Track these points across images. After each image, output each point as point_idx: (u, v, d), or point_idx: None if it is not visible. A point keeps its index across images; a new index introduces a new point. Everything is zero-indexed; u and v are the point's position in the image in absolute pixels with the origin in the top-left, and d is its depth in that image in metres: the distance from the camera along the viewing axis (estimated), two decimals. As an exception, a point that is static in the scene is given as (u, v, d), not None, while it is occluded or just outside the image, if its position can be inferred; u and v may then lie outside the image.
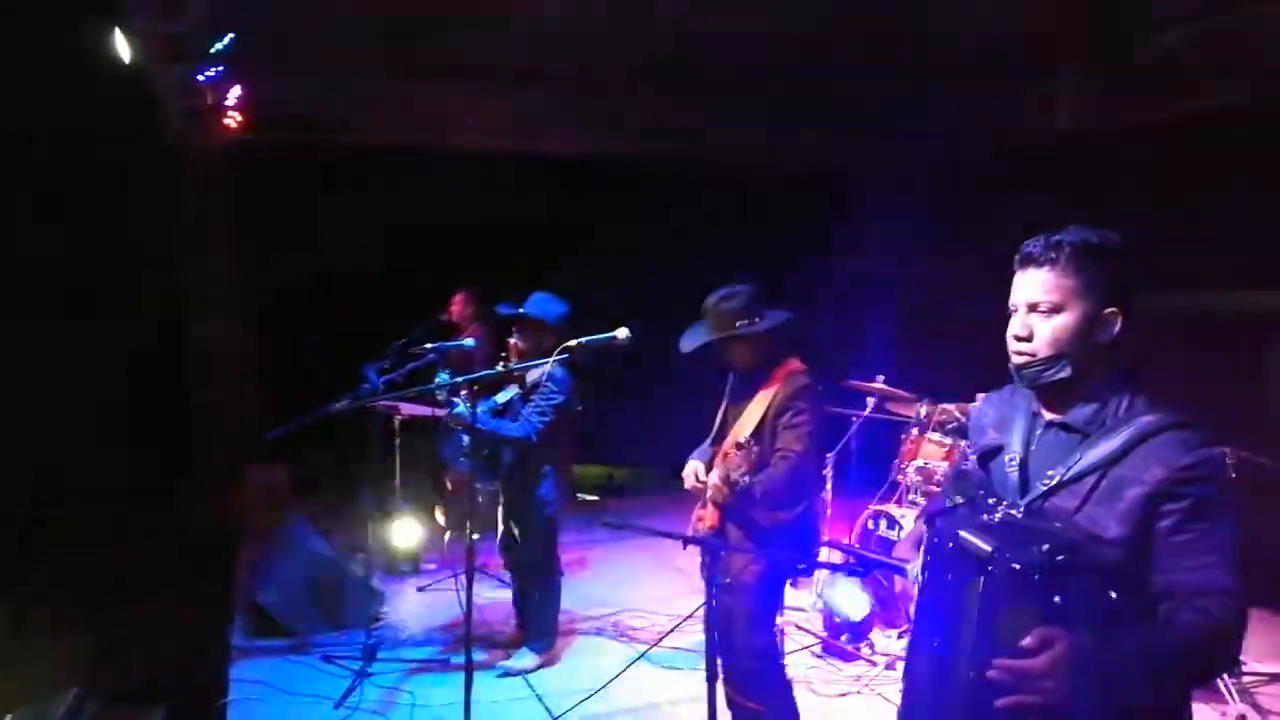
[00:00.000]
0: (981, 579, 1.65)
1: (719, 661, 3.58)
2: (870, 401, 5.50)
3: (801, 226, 8.50)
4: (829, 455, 5.54)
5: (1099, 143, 6.31)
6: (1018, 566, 1.59)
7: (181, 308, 6.31)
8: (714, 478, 3.27)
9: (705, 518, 3.44)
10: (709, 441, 3.62)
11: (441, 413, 4.24)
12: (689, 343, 3.40)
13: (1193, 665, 1.68)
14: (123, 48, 4.33)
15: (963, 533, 1.71)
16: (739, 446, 3.10)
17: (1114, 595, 1.62)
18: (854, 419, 5.59)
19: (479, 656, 4.66)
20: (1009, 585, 1.61)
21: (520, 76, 6.78)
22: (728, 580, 3.35)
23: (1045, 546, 1.61)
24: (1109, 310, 1.75)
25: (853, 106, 7.24)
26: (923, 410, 5.37)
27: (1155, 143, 5.95)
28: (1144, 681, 1.59)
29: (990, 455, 1.95)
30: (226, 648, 4.74)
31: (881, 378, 5.49)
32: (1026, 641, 1.54)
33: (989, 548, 1.65)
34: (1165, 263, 5.38)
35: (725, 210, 8.48)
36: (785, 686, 3.50)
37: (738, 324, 3.30)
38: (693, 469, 3.50)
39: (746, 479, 3.10)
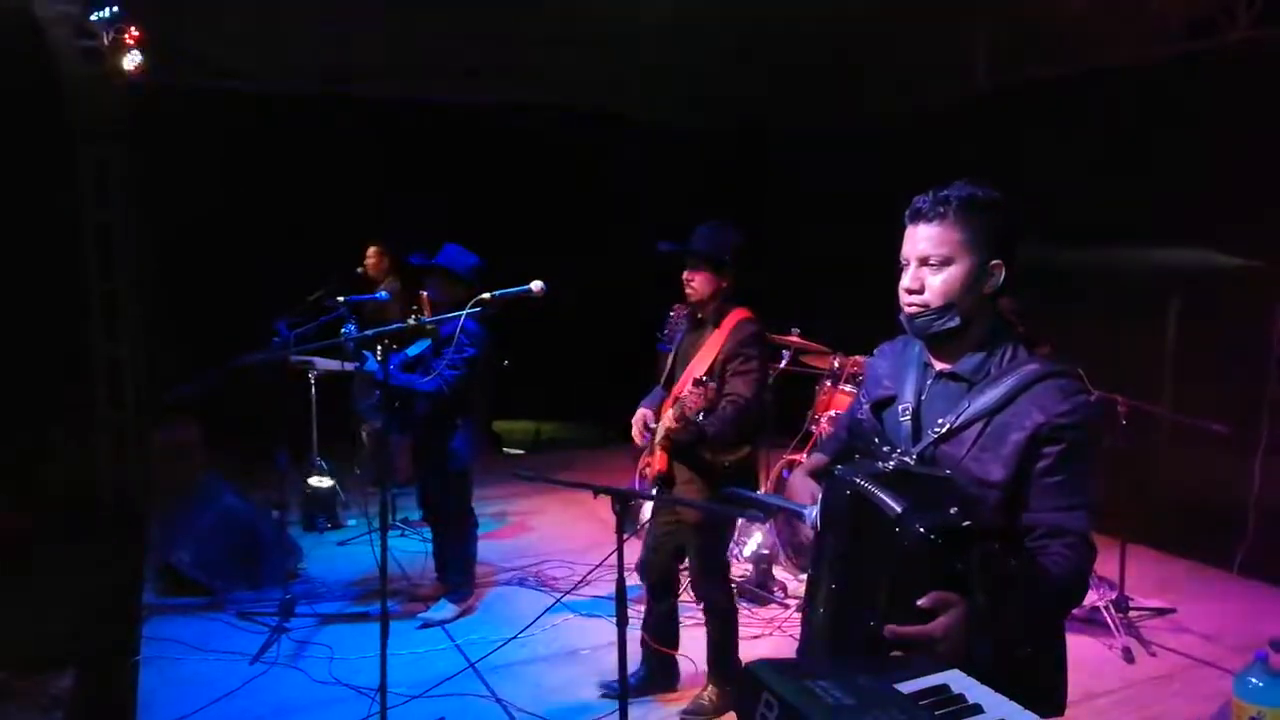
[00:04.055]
0: (885, 537, 1.65)
1: (640, 608, 3.73)
2: (786, 354, 5.60)
3: (722, 181, 8.55)
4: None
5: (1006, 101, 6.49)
6: (923, 530, 1.59)
7: (81, 259, 6.09)
8: (668, 418, 3.40)
9: (653, 463, 3.54)
10: (660, 387, 3.75)
11: (353, 366, 4.20)
12: (665, 246, 3.55)
13: (1061, 609, 1.85)
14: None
15: (870, 486, 1.71)
16: (695, 384, 3.20)
17: (1013, 562, 1.67)
18: (770, 371, 5.69)
19: (398, 609, 4.67)
20: (911, 545, 1.61)
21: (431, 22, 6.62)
22: (670, 528, 3.48)
23: (954, 510, 1.62)
24: (994, 262, 1.83)
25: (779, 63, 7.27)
26: (836, 362, 5.50)
27: (1056, 101, 6.14)
28: (1026, 634, 1.73)
29: (884, 405, 2.02)
30: (138, 607, 4.66)
31: (797, 331, 5.59)
32: (922, 602, 1.57)
33: (898, 508, 1.64)
34: (1068, 218, 5.64)
35: (647, 164, 8.46)
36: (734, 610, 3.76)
37: (710, 249, 3.48)
38: (641, 416, 3.62)
39: (701, 415, 3.21)
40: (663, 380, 3.75)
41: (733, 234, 3.52)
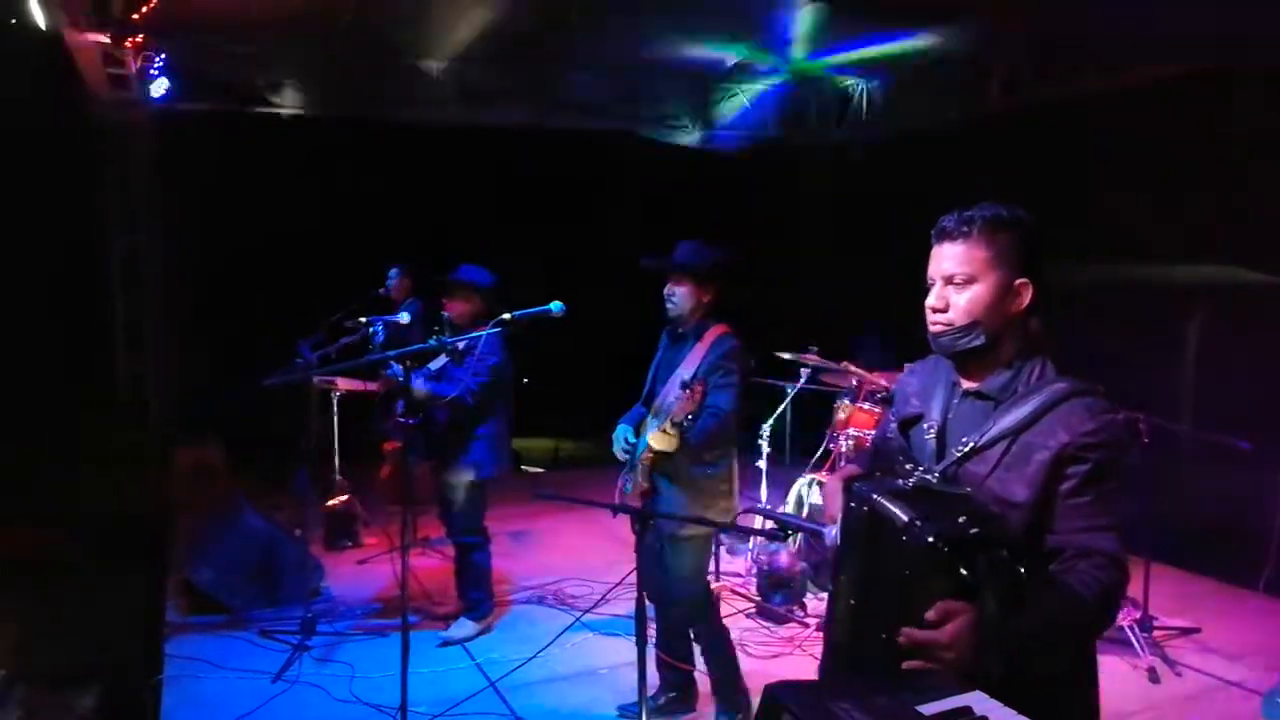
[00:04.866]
0: (897, 548, 1.66)
1: (654, 626, 3.72)
2: (804, 373, 5.60)
3: (743, 199, 8.58)
4: (765, 425, 5.66)
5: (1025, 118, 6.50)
6: (931, 539, 1.60)
7: (106, 280, 6.18)
8: (654, 427, 3.40)
9: (633, 480, 3.54)
10: (639, 403, 3.75)
11: (376, 385, 4.24)
12: (648, 261, 3.59)
13: (1084, 629, 1.79)
14: (39, 14, 4.19)
15: (880, 499, 1.73)
16: (683, 386, 3.21)
17: (1022, 570, 1.65)
18: (789, 390, 5.70)
19: (418, 627, 4.68)
20: (921, 555, 1.62)
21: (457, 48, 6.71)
22: (660, 544, 3.47)
23: (961, 519, 1.63)
24: (1019, 281, 1.83)
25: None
26: (854, 380, 5.50)
27: (1075, 118, 6.14)
28: (1042, 649, 1.68)
29: (911, 423, 2.02)
30: (161, 625, 4.70)
31: (815, 349, 5.59)
32: (929, 615, 1.58)
33: (905, 517, 1.65)
34: (1086, 236, 5.63)
35: (665, 185, 8.49)
36: (724, 634, 3.71)
37: (691, 262, 3.51)
38: (623, 434, 3.63)
39: (690, 418, 3.22)
40: (643, 397, 3.75)
41: (716, 249, 3.56)
